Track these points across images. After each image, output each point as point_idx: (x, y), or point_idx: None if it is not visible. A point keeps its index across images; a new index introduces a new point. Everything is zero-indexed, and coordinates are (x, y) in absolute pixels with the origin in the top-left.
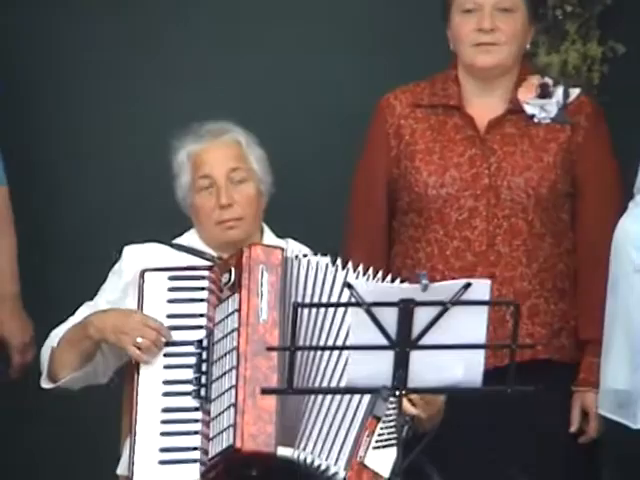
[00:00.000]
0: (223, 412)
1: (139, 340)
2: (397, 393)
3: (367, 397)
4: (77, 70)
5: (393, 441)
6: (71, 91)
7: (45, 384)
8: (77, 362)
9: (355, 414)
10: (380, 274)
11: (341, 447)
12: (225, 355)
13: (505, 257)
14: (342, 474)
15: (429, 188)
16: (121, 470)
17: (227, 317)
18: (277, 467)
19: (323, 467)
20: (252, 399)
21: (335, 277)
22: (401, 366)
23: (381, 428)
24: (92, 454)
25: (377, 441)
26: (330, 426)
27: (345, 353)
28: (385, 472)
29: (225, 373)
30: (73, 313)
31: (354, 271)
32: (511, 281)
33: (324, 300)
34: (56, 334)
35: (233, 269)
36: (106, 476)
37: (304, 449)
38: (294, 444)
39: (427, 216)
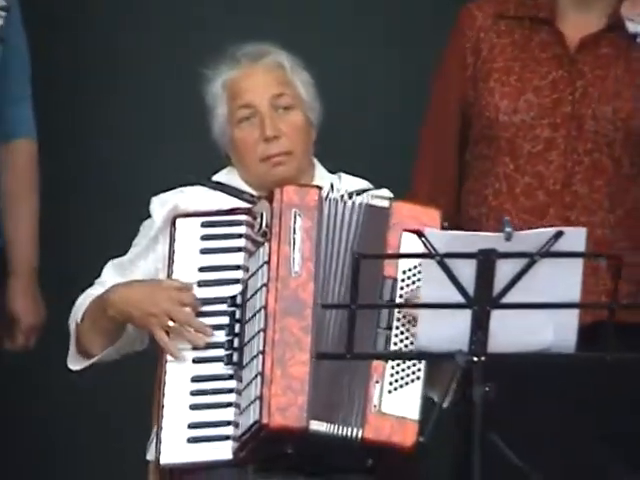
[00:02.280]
0: (252, 381)
1: (170, 324)
2: (475, 359)
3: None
4: None
5: (411, 376)
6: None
7: (73, 364)
8: (106, 340)
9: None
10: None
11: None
12: (255, 315)
13: (583, 199)
14: (357, 433)
15: (500, 113)
16: (151, 455)
17: (258, 270)
18: (315, 441)
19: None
20: (281, 366)
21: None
22: (480, 328)
23: (392, 367)
24: (121, 438)
25: (391, 383)
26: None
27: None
28: (413, 412)
29: (254, 336)
30: (99, 274)
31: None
32: (589, 227)
33: (377, 250)
34: (80, 305)
35: (264, 212)
36: (135, 462)
37: (341, 422)
38: (329, 417)
39: (497, 146)
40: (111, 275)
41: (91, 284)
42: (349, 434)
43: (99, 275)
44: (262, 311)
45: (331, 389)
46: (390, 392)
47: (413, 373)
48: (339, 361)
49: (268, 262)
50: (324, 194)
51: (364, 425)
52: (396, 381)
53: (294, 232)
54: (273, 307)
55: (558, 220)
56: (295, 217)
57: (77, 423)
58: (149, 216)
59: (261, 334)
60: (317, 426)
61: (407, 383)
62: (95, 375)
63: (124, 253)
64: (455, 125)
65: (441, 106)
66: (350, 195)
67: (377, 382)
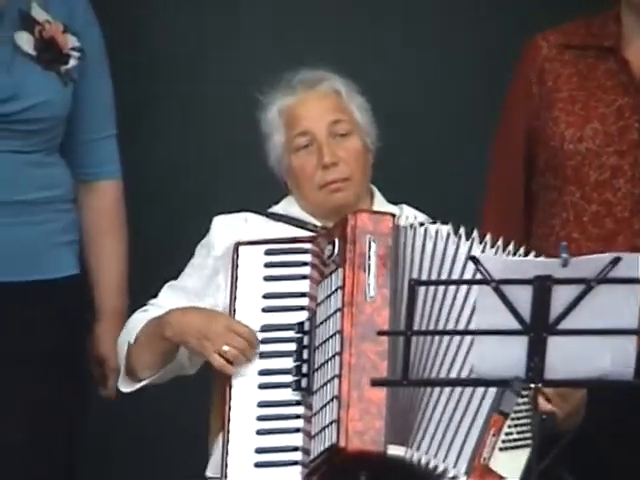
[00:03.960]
0: (325, 406)
1: (225, 348)
2: (532, 385)
3: (492, 389)
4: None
5: (524, 442)
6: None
7: (123, 386)
8: (158, 362)
9: (478, 409)
10: (511, 246)
11: (461, 447)
12: (328, 340)
13: None
14: (462, 478)
15: (566, 142)
16: (211, 472)
17: (330, 295)
18: (389, 469)
19: (440, 469)
20: (358, 390)
21: (458, 249)
22: (537, 354)
23: (509, 426)
24: (178, 452)
25: (504, 441)
26: (449, 422)
27: (469, 339)
28: (514, 477)
29: (328, 360)
30: (156, 295)
31: (481, 242)
32: None
33: (444, 276)
34: (134, 325)
35: (337, 240)
36: (194, 478)
37: (418, 448)
38: (407, 442)
39: (563, 176)
40: (167, 298)
41: (144, 304)
42: (450, 472)
43: (155, 295)
44: (337, 335)
45: (410, 414)
46: (501, 450)
47: (526, 439)
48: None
49: (343, 287)
50: (398, 222)
51: (470, 472)
52: (510, 441)
53: (369, 258)
54: (349, 331)
55: (627, 248)
56: (370, 243)
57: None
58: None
59: (336, 358)
60: (395, 451)
61: (518, 447)
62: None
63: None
64: (521, 156)
65: (508, 137)
66: (421, 224)
67: (494, 435)
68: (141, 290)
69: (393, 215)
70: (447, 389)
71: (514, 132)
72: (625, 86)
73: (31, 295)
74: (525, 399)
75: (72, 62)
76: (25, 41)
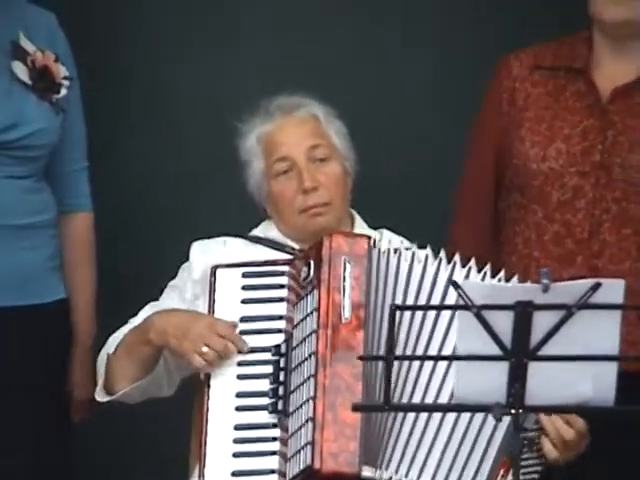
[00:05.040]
0: (301, 428)
1: (204, 349)
2: (513, 411)
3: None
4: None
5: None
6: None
7: (100, 397)
8: (136, 371)
9: (488, 444)
10: (488, 270)
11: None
12: (304, 362)
13: (611, 247)
14: None
15: (529, 161)
16: None
17: (306, 317)
18: None
19: None
20: (333, 412)
21: (437, 273)
22: (517, 380)
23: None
24: (159, 477)
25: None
26: (444, 450)
27: (446, 363)
28: None
29: (303, 382)
30: (136, 314)
31: (462, 266)
32: (617, 276)
33: (422, 300)
34: (114, 339)
35: (312, 261)
36: None
37: (388, 468)
38: (380, 464)
39: (528, 195)
40: (147, 314)
41: (125, 322)
42: None
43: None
44: (312, 357)
45: (384, 436)
46: None
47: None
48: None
49: (318, 309)
50: (376, 247)
51: None
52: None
53: (344, 279)
54: (324, 353)
55: (586, 268)
56: (345, 264)
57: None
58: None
59: (311, 380)
60: (368, 472)
61: None
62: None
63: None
64: (491, 174)
65: (477, 155)
66: (396, 250)
67: (502, 477)
68: (118, 314)
69: (369, 237)
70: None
71: (484, 150)
72: (591, 108)
73: (24, 319)
74: (532, 438)
75: (63, 91)
76: (21, 70)
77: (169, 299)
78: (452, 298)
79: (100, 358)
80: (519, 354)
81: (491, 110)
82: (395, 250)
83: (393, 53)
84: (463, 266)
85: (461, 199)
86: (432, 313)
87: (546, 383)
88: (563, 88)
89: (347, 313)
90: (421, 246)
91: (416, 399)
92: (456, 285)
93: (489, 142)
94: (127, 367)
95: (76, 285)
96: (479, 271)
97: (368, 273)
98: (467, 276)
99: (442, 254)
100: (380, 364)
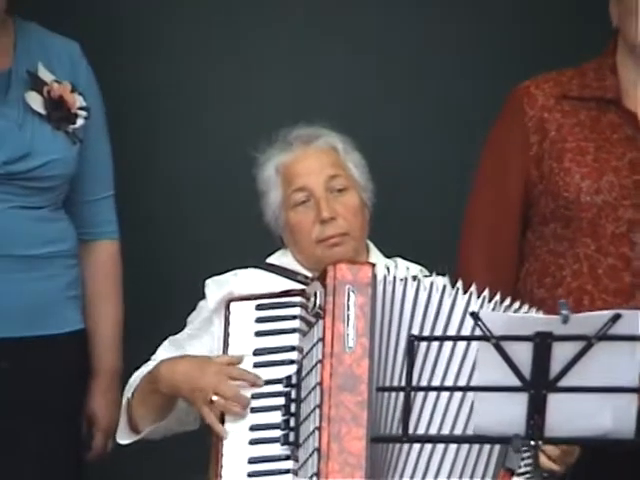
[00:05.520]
0: (309, 458)
1: (214, 398)
2: (532, 443)
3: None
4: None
5: None
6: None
7: (121, 439)
8: (155, 416)
9: (486, 465)
10: (509, 301)
11: None
12: (311, 392)
13: None
14: None
15: (582, 194)
16: None
17: (313, 347)
18: None
19: None
20: (338, 442)
21: (455, 303)
22: (537, 411)
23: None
24: None
25: None
26: (449, 476)
27: (459, 395)
28: None
29: (310, 413)
30: (156, 350)
31: (478, 296)
32: None
33: (437, 329)
34: (134, 380)
35: (318, 291)
36: None
37: None
38: None
39: (576, 227)
40: (166, 352)
41: (146, 360)
42: None
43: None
44: (317, 387)
45: (390, 465)
46: None
47: None
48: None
49: (322, 339)
50: (380, 275)
51: None
52: None
53: (348, 308)
54: (328, 383)
55: None
56: (349, 294)
57: None
58: (204, 296)
59: (317, 410)
60: None
61: None
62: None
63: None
64: (518, 205)
65: (499, 186)
66: (406, 279)
67: None
68: (140, 347)
69: (373, 265)
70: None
71: (508, 181)
72: (631, 139)
73: (38, 350)
74: (529, 454)
75: (79, 122)
76: (35, 101)
77: (184, 334)
78: (457, 325)
79: (122, 401)
80: (538, 385)
81: (514, 140)
82: (404, 278)
83: (408, 83)
84: (477, 296)
85: (476, 230)
86: (448, 343)
87: (565, 414)
88: (596, 119)
89: (351, 342)
90: (439, 274)
91: (423, 429)
92: (475, 316)
93: (514, 173)
94: (145, 412)
95: (98, 315)
96: (490, 300)
97: (373, 302)
98: (481, 306)
99: (459, 284)
100: (386, 393)
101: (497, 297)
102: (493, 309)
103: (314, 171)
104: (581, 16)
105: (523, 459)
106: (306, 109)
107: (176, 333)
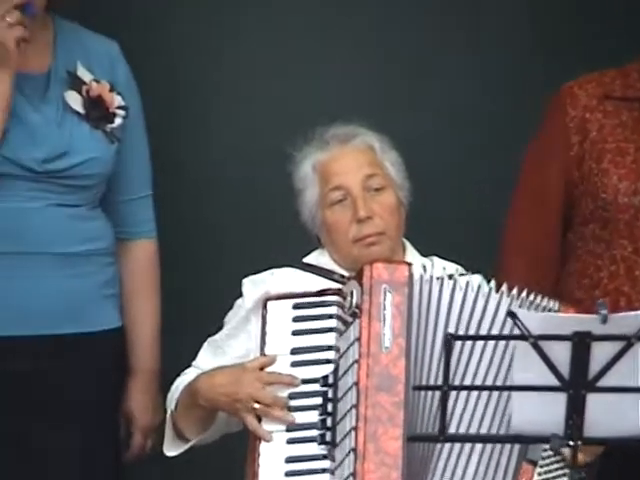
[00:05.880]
0: (345, 458)
1: (256, 406)
2: (571, 443)
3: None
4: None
5: None
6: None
7: (169, 451)
8: (199, 427)
9: (509, 458)
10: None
11: None
12: (347, 392)
13: None
14: None
15: (620, 195)
16: None
17: (349, 347)
18: None
19: None
20: (374, 442)
21: (488, 301)
22: (576, 411)
23: (539, 474)
24: None
25: None
26: (475, 472)
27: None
28: None
29: (347, 413)
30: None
31: (518, 296)
32: None
33: (472, 328)
34: (174, 391)
35: (354, 290)
36: None
37: None
38: None
39: (613, 228)
40: (205, 356)
41: (188, 366)
42: None
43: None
44: (354, 387)
45: (426, 464)
46: None
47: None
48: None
49: (359, 339)
50: (417, 274)
51: None
52: None
53: (384, 308)
54: (365, 383)
55: None
56: (385, 293)
57: None
58: (241, 295)
59: (353, 410)
60: None
61: None
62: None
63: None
64: (559, 205)
65: (540, 186)
66: (442, 278)
67: None
68: (180, 346)
69: (409, 264)
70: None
71: (549, 181)
72: None
73: (75, 348)
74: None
75: (118, 121)
76: (74, 100)
77: (221, 334)
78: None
79: (167, 411)
80: (577, 385)
81: (556, 141)
82: (440, 278)
83: (445, 84)
84: (518, 296)
85: (517, 230)
86: (484, 342)
87: (604, 415)
88: (639, 120)
89: (387, 342)
90: (475, 273)
91: (454, 428)
92: (513, 315)
93: (555, 173)
94: (189, 424)
95: (136, 314)
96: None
97: (410, 301)
98: (511, 304)
99: (492, 283)
100: (422, 392)
101: (529, 295)
102: (520, 306)
103: (351, 170)
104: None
105: (545, 450)
106: (336, 108)
107: (215, 333)
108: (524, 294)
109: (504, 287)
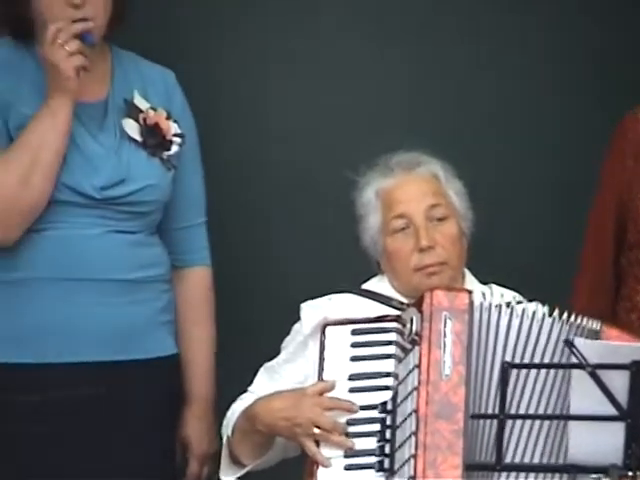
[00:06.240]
0: None
1: (316, 431)
2: (630, 473)
3: None
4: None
5: None
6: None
7: (225, 476)
8: (256, 452)
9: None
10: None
11: None
12: (406, 419)
13: None
14: None
15: None
16: None
17: (409, 374)
18: None
19: None
20: (433, 470)
21: (551, 330)
22: (635, 441)
23: None
24: None
25: None
26: None
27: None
28: None
29: (406, 440)
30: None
31: (577, 325)
32: None
33: (527, 355)
34: (231, 417)
35: (414, 317)
36: None
37: None
38: None
39: None
40: (262, 381)
41: (244, 391)
42: None
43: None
44: (413, 415)
45: None
46: None
47: None
48: None
49: (419, 366)
50: (477, 302)
51: None
52: None
53: (444, 335)
54: (424, 410)
55: None
56: (445, 320)
57: None
58: (298, 319)
59: (412, 438)
60: None
61: None
62: None
63: (275, 356)
64: (612, 229)
65: (599, 210)
66: (501, 306)
67: None
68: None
69: (470, 292)
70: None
71: (605, 205)
72: None
73: (132, 374)
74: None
75: (174, 148)
76: (131, 128)
77: (279, 359)
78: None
79: (222, 437)
80: (636, 414)
81: (615, 163)
82: (508, 303)
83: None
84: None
85: (583, 251)
86: (542, 371)
87: None
88: None
89: (447, 370)
90: (532, 300)
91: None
92: (570, 344)
93: (611, 196)
94: (246, 450)
95: (192, 341)
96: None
97: (470, 328)
98: (577, 334)
99: (549, 310)
100: (482, 420)
101: (569, 317)
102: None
103: (415, 199)
104: None
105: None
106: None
107: (270, 359)
108: (565, 316)
109: (556, 312)
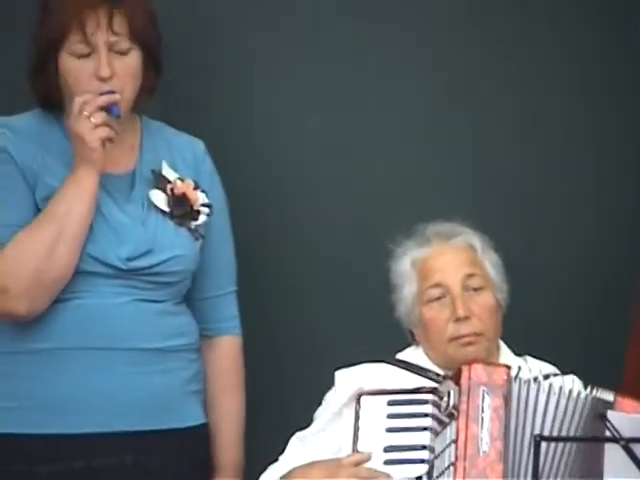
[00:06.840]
0: None
1: None
2: None
3: None
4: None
5: None
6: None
7: None
8: None
9: None
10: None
11: None
12: None
13: None
14: None
15: None
16: None
17: (445, 448)
18: None
19: None
20: None
21: (585, 404)
22: None
23: None
24: None
25: None
26: None
27: None
28: None
29: None
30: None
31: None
32: None
33: (564, 431)
34: None
35: (452, 391)
36: None
37: None
38: None
39: None
40: (294, 450)
41: (275, 460)
42: None
43: (284, 449)
44: None
45: None
46: None
47: None
48: None
49: (456, 441)
50: (513, 374)
51: None
52: None
53: (482, 410)
54: None
55: None
56: (484, 395)
57: None
58: (330, 388)
59: None
60: None
61: None
62: None
63: (307, 425)
64: None
65: None
66: (537, 378)
67: None
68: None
69: (508, 367)
70: None
71: None
72: None
73: (160, 444)
74: None
75: (202, 218)
76: (158, 198)
77: (311, 429)
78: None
79: None
80: None
81: None
82: (545, 376)
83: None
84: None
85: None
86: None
87: None
88: None
89: (485, 446)
90: (567, 373)
91: None
92: (603, 417)
93: None
94: None
95: (220, 411)
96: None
97: (508, 404)
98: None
99: (580, 383)
100: None
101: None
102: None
103: (451, 268)
104: None
105: None
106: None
107: (303, 428)
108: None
109: (589, 390)
